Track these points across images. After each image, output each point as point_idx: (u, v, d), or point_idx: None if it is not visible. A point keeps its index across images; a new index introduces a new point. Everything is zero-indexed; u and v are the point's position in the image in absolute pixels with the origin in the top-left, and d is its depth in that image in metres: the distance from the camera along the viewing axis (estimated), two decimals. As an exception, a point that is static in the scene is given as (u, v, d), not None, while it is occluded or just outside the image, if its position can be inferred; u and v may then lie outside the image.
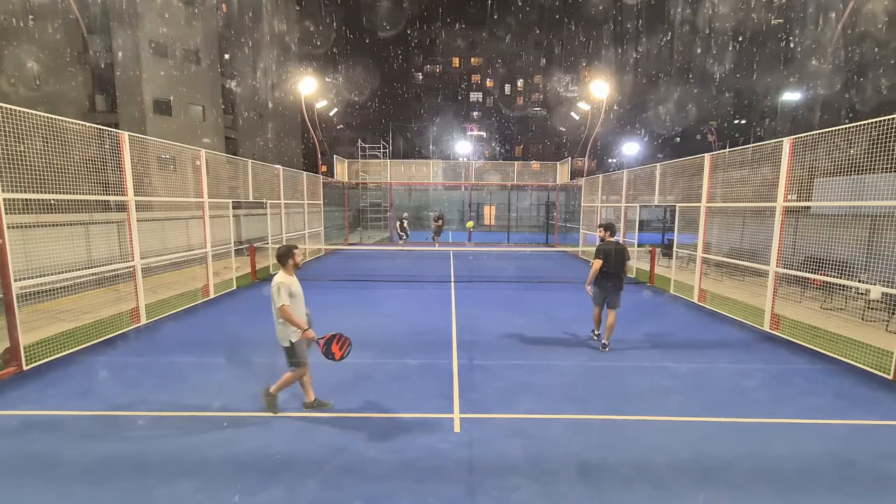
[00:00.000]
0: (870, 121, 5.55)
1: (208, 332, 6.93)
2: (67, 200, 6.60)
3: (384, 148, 25.50)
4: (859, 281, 6.45)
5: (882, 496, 3.16)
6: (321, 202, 17.44)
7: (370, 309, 8.45)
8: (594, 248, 6.22)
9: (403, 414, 4.23)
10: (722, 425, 4.11)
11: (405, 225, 19.34)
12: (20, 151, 5.22)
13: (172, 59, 24.85)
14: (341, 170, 22.16)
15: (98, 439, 3.76)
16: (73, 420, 4.09)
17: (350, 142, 49.02)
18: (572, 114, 34.07)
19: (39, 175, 5.50)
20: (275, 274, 4.05)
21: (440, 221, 19.76)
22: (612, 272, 6.01)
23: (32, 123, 5.36)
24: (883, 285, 5.82)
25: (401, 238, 19.34)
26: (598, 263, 5.99)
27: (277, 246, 4.16)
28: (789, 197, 6.87)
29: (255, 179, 11.57)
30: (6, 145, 5.03)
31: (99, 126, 6.54)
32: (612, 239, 6.13)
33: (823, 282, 7.07)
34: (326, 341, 4.03)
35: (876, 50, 29.53)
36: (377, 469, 3.36)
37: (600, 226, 6.29)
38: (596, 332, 6.54)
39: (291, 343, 3.96)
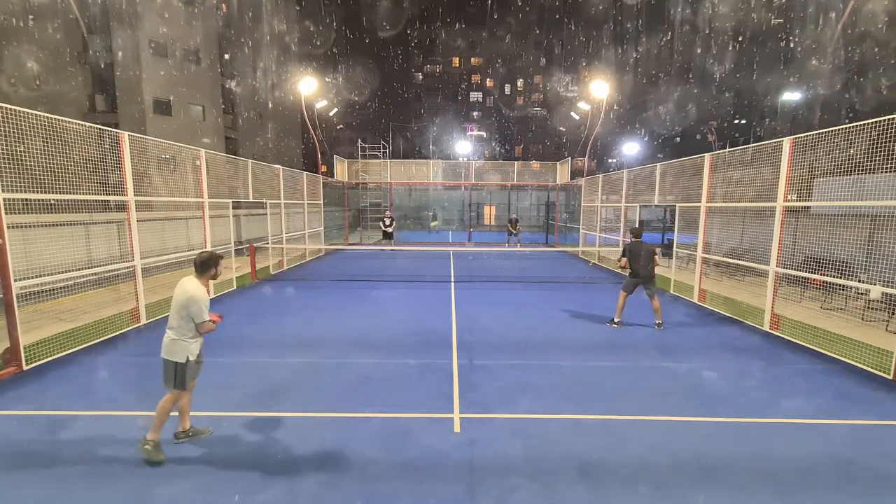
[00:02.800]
0: (870, 121, 5.55)
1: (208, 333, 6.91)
2: (67, 200, 6.60)
3: (384, 148, 25.50)
4: (859, 281, 6.45)
5: (882, 496, 3.16)
6: (321, 202, 17.44)
7: (370, 309, 8.45)
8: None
9: (403, 414, 4.23)
10: (722, 425, 4.11)
11: (389, 223, 18.19)
12: (20, 151, 5.22)
13: (172, 59, 24.85)
14: (341, 170, 22.15)
15: (98, 439, 3.76)
16: (73, 420, 4.08)
17: (350, 142, 48.99)
18: (572, 114, 34.08)
19: (39, 175, 5.50)
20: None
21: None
22: (639, 269, 7.00)
23: (32, 123, 5.35)
24: (883, 285, 5.82)
25: (385, 236, 18.34)
26: (623, 260, 7.15)
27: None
28: (789, 197, 6.87)
29: (255, 179, 11.57)
30: (6, 145, 5.03)
31: (99, 126, 6.54)
32: (634, 239, 7.14)
33: (823, 282, 7.08)
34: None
35: (876, 50, 29.53)
36: (377, 469, 3.36)
37: (630, 231, 7.49)
38: (615, 321, 7.25)
39: (188, 360, 3.50)
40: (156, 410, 3.50)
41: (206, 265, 3.51)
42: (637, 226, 7.44)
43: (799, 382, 5.11)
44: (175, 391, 3.51)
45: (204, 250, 3.54)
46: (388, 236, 18.23)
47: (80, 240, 8.23)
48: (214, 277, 3.61)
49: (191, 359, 3.49)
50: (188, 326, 3.45)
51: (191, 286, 3.43)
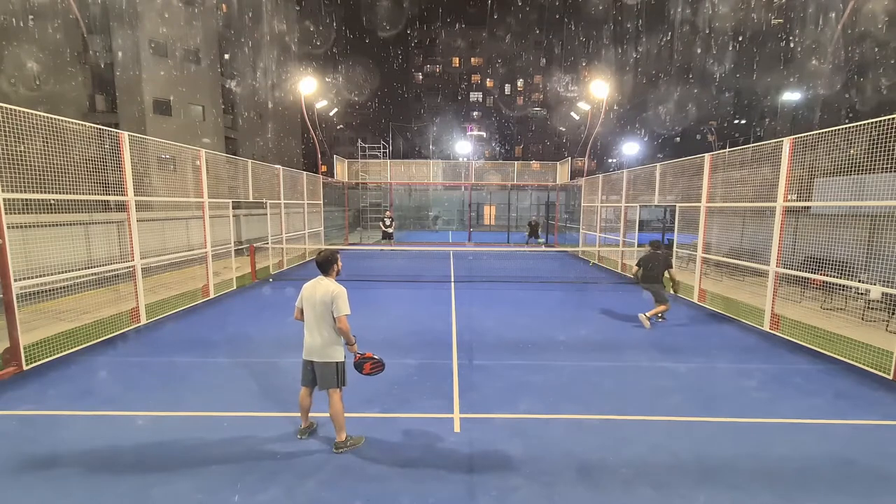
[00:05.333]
0: (870, 121, 5.55)
1: (208, 332, 6.93)
2: (67, 200, 6.59)
3: (384, 148, 25.51)
4: (859, 281, 6.45)
5: (882, 496, 3.16)
6: (321, 202, 17.43)
7: (370, 309, 8.45)
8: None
9: (403, 414, 4.23)
10: (722, 425, 4.11)
11: (389, 223, 18.30)
12: (20, 151, 5.22)
13: (172, 59, 24.84)
14: (341, 170, 22.16)
15: (98, 439, 3.76)
16: (73, 420, 4.08)
17: (350, 142, 49.02)
18: (572, 114, 34.07)
19: (39, 175, 5.49)
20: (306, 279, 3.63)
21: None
22: (646, 276, 7.36)
23: (32, 123, 5.35)
24: (883, 285, 5.82)
25: (386, 237, 18.39)
26: (635, 268, 7.59)
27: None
28: (789, 197, 6.87)
29: (255, 179, 11.57)
30: (6, 145, 5.03)
31: (99, 126, 6.54)
32: (656, 251, 7.45)
33: (823, 282, 7.07)
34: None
35: (876, 50, 29.53)
36: (377, 469, 3.36)
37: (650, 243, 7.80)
38: (655, 317, 7.39)
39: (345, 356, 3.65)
40: (332, 416, 3.58)
41: (329, 263, 3.63)
42: (655, 240, 7.97)
43: (799, 382, 5.11)
44: (341, 389, 3.62)
45: (320, 252, 3.70)
46: (388, 236, 18.22)
47: (80, 240, 8.22)
48: (338, 272, 3.72)
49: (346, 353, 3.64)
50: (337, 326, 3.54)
51: (331, 285, 3.55)
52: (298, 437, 3.76)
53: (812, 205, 6.95)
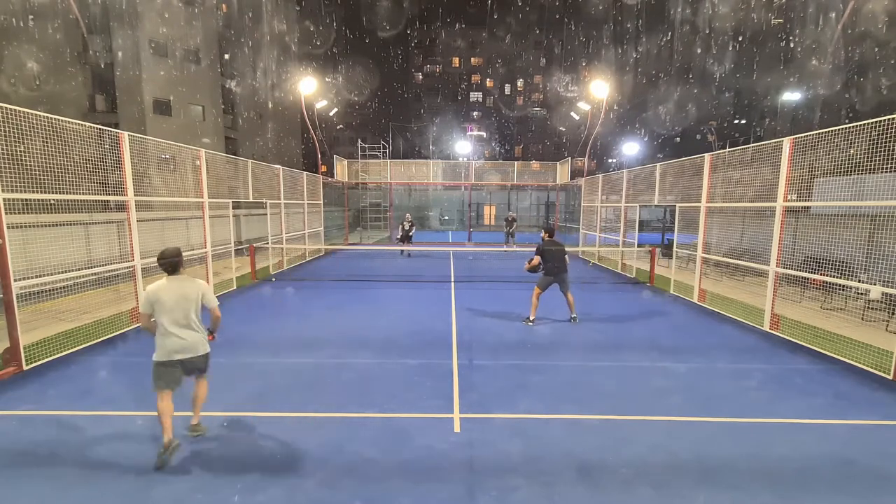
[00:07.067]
0: (870, 121, 5.55)
1: (208, 332, 6.91)
2: (67, 200, 6.59)
3: (384, 148, 25.51)
4: (859, 281, 6.45)
5: (882, 496, 3.16)
6: (321, 202, 17.43)
7: (370, 309, 8.45)
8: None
9: (403, 414, 4.23)
10: (722, 425, 4.11)
11: (409, 230, 16.13)
12: (20, 151, 5.22)
13: (172, 59, 24.85)
14: (341, 170, 22.16)
15: (98, 439, 3.76)
16: (73, 420, 4.08)
17: (350, 142, 49.06)
18: (572, 114, 34.08)
19: (39, 175, 5.49)
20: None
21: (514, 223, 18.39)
22: (553, 266, 7.13)
23: (32, 123, 5.35)
24: (883, 285, 5.82)
25: (403, 241, 16.34)
26: (536, 259, 7.22)
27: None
28: (789, 197, 6.87)
29: (255, 179, 11.57)
30: (6, 145, 5.03)
31: (99, 126, 6.53)
32: (548, 238, 7.28)
33: (823, 282, 7.07)
34: None
35: (876, 50, 29.54)
36: (377, 469, 3.36)
37: (543, 229, 7.69)
38: (530, 320, 7.30)
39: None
40: (200, 398, 3.79)
41: (180, 260, 3.76)
42: (550, 223, 7.50)
43: (799, 382, 5.11)
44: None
45: (164, 252, 3.76)
46: (406, 238, 16.69)
47: (80, 240, 8.22)
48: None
49: None
50: (201, 318, 3.73)
51: (193, 280, 3.72)
52: (163, 454, 3.35)
53: (812, 205, 6.95)
